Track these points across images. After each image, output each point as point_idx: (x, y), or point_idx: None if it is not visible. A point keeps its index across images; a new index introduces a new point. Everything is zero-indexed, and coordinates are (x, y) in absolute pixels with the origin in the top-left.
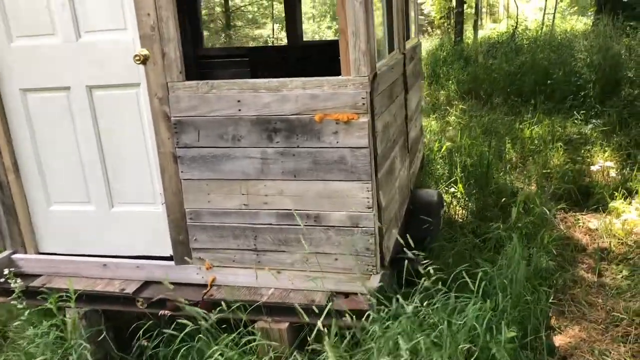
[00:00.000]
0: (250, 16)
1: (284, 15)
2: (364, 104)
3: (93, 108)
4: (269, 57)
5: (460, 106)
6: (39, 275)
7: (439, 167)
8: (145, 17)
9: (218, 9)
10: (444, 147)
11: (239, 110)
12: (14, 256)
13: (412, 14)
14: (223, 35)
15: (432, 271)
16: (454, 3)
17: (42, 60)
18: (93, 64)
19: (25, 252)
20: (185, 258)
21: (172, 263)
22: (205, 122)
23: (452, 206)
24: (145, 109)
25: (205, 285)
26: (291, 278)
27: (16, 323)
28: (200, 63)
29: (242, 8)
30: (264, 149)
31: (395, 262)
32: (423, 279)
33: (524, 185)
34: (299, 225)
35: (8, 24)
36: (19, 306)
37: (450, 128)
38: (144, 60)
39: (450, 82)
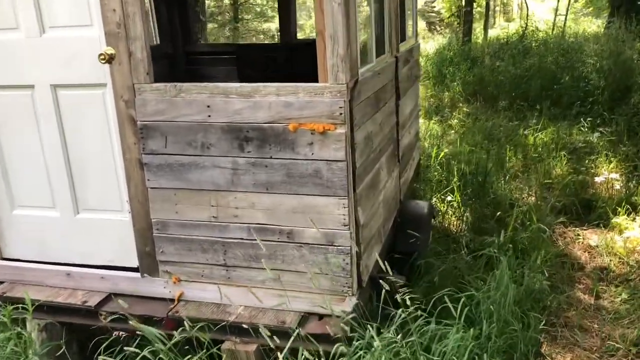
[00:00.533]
0: (258, 9)
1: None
2: (341, 113)
3: (58, 108)
4: (258, 55)
5: (464, 109)
6: (2, 282)
7: (436, 174)
8: (111, 13)
9: (227, 1)
10: (442, 153)
11: (209, 116)
12: None
13: (410, 14)
14: (227, 28)
15: (408, 301)
16: (463, 1)
17: (4, 55)
18: (58, 62)
19: None
20: (148, 273)
21: (138, 275)
22: (173, 128)
23: (447, 216)
24: (112, 111)
25: (173, 300)
26: (262, 296)
27: None
28: (190, 60)
29: (251, 0)
30: (235, 159)
31: (376, 281)
32: (400, 310)
33: (523, 195)
34: (271, 240)
35: None
36: None
37: (453, 132)
38: (109, 60)
39: (455, 83)
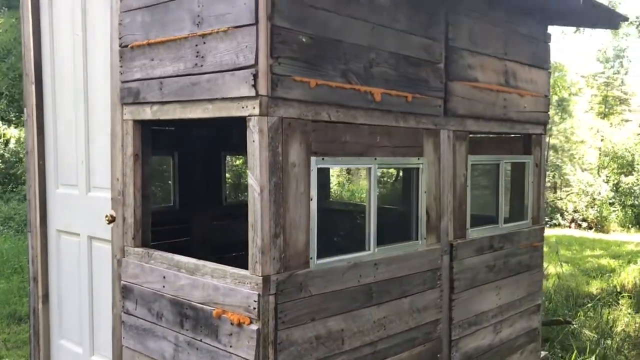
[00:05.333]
0: None
1: None
2: (255, 308)
3: (91, 258)
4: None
5: None
6: None
7: None
8: (115, 181)
9: None
10: None
11: (163, 286)
12: None
13: (526, 192)
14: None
15: None
16: None
17: (69, 206)
18: (94, 216)
19: None
20: None
21: None
22: (141, 292)
23: None
24: None
25: None
26: None
27: None
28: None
29: None
30: (177, 334)
31: None
32: None
33: None
34: None
35: (57, 173)
36: None
37: None
38: (111, 221)
39: None
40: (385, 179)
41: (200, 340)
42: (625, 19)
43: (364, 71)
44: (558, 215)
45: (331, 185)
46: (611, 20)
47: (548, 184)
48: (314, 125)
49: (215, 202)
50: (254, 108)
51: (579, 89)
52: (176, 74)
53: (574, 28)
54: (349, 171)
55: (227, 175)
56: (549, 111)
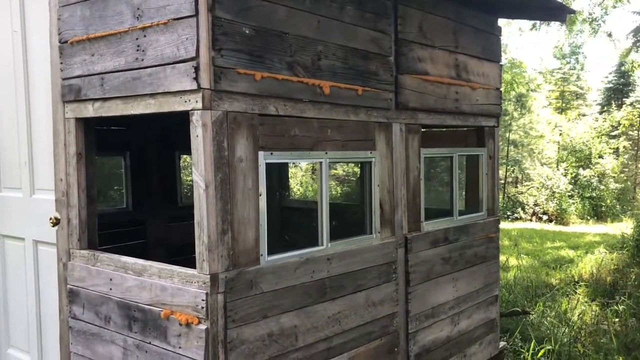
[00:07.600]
0: None
1: None
2: (203, 307)
3: (37, 263)
4: None
5: None
6: None
7: None
8: (59, 182)
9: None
10: (541, 352)
11: (110, 289)
12: None
13: (482, 186)
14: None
15: None
16: None
17: (11, 210)
18: (39, 220)
19: None
20: None
21: None
22: (88, 296)
23: None
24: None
25: None
26: None
27: None
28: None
29: None
30: (126, 337)
31: None
32: None
33: None
34: None
35: (0, 176)
36: None
37: (617, 320)
38: (56, 223)
39: None
40: (350, 177)
41: (149, 343)
42: (572, 11)
43: (311, 64)
44: (519, 209)
45: (297, 184)
46: (559, 13)
47: (510, 179)
48: (261, 119)
49: (171, 203)
50: (196, 102)
51: (537, 85)
52: (117, 69)
53: (531, 25)
54: (313, 171)
55: (188, 176)
56: (501, 104)
